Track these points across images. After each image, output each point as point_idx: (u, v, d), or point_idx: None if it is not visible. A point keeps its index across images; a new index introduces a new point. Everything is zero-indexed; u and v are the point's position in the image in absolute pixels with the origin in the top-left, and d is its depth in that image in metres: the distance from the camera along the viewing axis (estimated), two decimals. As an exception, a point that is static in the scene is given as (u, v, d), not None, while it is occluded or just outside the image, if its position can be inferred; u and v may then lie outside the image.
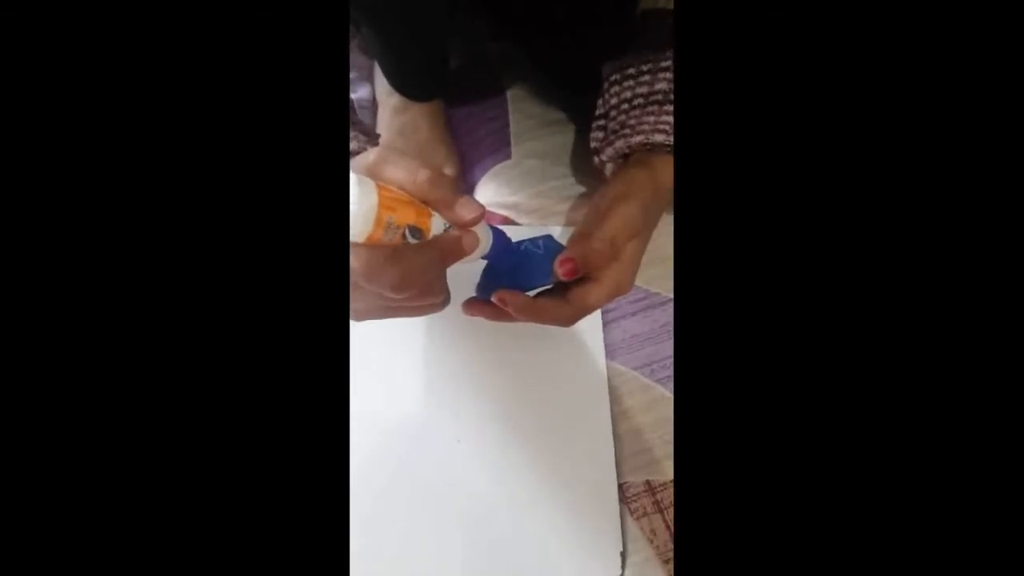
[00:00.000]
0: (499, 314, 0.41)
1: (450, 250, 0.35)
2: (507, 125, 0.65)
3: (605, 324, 0.54)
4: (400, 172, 0.33)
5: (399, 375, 0.52)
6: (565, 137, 0.65)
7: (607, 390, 0.51)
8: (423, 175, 0.33)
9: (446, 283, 0.38)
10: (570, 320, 0.42)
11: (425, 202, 0.33)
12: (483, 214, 0.35)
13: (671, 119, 0.47)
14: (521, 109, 0.67)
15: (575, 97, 0.65)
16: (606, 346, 0.53)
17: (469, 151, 0.65)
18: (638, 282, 0.56)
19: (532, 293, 0.41)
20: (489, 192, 0.62)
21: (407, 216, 0.32)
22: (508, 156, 0.64)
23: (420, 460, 0.49)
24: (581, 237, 0.41)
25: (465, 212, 0.35)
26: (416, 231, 0.32)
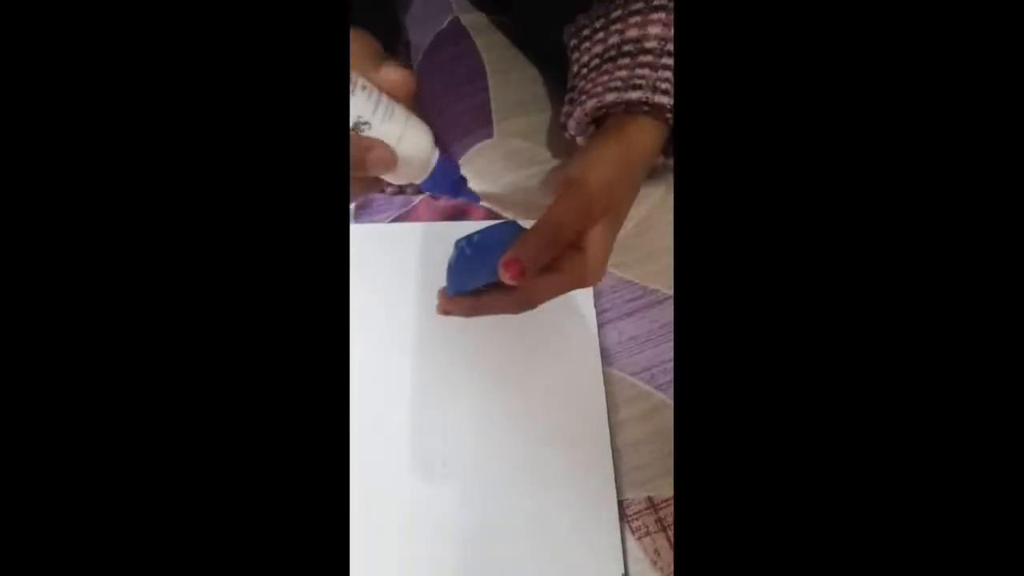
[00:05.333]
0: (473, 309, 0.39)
1: (352, 158, 0.31)
2: (488, 100, 0.59)
3: (600, 326, 0.50)
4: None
5: (379, 394, 0.48)
6: (553, 113, 0.59)
7: (604, 400, 0.48)
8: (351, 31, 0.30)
9: (364, 187, 0.35)
10: (517, 308, 0.38)
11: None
12: (412, 86, 0.32)
13: (648, 72, 0.41)
14: (503, 82, 0.60)
15: (557, 67, 0.60)
16: (602, 350, 0.49)
17: (446, 128, 0.59)
18: (634, 278, 0.52)
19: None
20: (470, 177, 0.56)
21: None
22: (490, 135, 0.58)
23: (405, 484, 0.45)
24: (529, 232, 0.37)
25: (392, 74, 0.31)
26: None
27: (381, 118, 0.32)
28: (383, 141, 0.32)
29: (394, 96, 0.33)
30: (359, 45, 0.31)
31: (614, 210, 0.39)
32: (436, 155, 0.35)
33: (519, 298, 0.38)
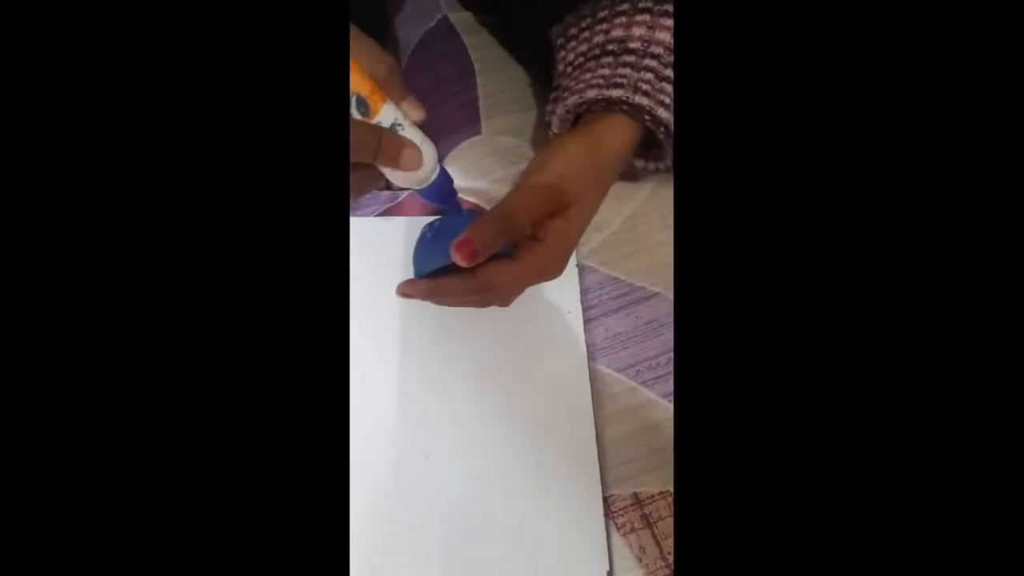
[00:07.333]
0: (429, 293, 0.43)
1: (387, 149, 0.34)
2: (476, 98, 0.60)
3: (586, 323, 0.50)
4: (368, 49, 0.33)
5: (363, 387, 0.47)
6: (540, 111, 0.59)
7: (590, 396, 0.47)
8: (389, 61, 0.34)
9: (373, 182, 0.37)
10: (472, 294, 0.40)
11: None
12: (423, 116, 0.36)
13: (630, 71, 0.42)
14: (491, 80, 0.61)
15: (545, 67, 0.60)
16: (588, 346, 0.49)
17: (434, 124, 0.59)
18: (620, 275, 0.52)
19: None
20: (457, 173, 0.56)
21: (360, 85, 0.33)
22: (478, 132, 0.58)
23: (386, 479, 0.44)
24: (483, 217, 0.38)
25: (412, 113, 0.36)
26: (363, 105, 0.33)
27: (407, 127, 0.36)
28: (414, 142, 0.35)
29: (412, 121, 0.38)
30: (394, 79, 0.35)
31: (577, 203, 0.40)
32: (438, 168, 0.38)
33: (474, 284, 0.39)
